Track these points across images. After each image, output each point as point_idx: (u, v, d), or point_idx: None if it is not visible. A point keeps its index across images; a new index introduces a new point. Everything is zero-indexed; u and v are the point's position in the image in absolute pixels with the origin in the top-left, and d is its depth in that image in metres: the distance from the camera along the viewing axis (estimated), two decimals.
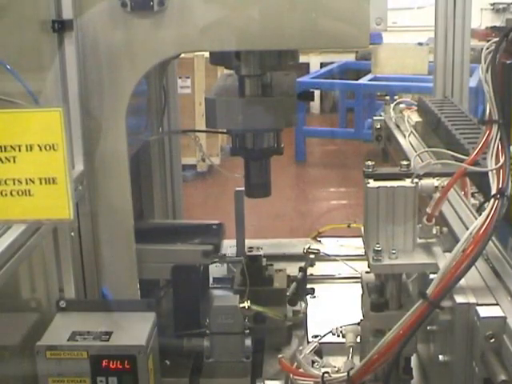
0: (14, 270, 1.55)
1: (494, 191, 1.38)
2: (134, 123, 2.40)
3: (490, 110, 1.43)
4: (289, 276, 2.42)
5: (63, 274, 1.92)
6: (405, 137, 2.36)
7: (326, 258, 2.73)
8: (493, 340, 1.26)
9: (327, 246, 2.88)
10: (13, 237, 1.54)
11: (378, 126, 2.68)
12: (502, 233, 1.51)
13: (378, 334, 1.61)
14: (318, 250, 2.56)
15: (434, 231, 1.63)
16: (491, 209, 1.35)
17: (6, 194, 1.29)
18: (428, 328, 1.51)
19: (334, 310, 2.41)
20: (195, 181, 5.92)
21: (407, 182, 1.59)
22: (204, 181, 5.91)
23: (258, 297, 2.20)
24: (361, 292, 1.83)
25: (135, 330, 1.83)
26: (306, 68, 8.38)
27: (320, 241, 2.93)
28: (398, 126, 2.57)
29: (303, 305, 2.37)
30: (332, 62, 8.28)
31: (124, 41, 1.89)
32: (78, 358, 1.76)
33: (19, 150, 1.27)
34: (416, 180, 1.59)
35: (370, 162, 1.64)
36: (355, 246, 2.80)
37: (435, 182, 1.62)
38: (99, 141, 1.95)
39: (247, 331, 2.04)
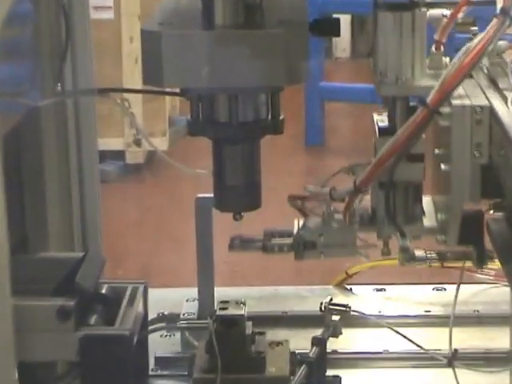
0: None
1: (498, 11, 1.95)
2: (9, 75, 2.29)
3: None
4: (294, 354, 2.24)
5: None
6: (506, 102, 2.01)
7: (361, 320, 2.46)
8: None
9: (363, 298, 2.63)
10: None
11: None
12: None
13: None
14: (345, 305, 2.31)
15: (444, 61, 2.16)
16: (493, 26, 1.94)
17: None
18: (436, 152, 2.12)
19: None
20: (123, 180, 5.48)
21: (416, 11, 2.12)
22: (139, 181, 5.53)
23: None
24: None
25: None
26: None
27: (351, 289, 2.67)
28: (493, 81, 2.20)
29: None
30: None
31: None
32: None
33: None
34: (424, 9, 2.14)
35: None
36: (413, 299, 2.59)
37: (444, 11, 2.19)
38: None
39: None
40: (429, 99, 1.96)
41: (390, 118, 2.19)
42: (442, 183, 2.10)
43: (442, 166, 2.03)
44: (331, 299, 2.29)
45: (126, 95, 2.40)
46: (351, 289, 2.69)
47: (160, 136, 5.66)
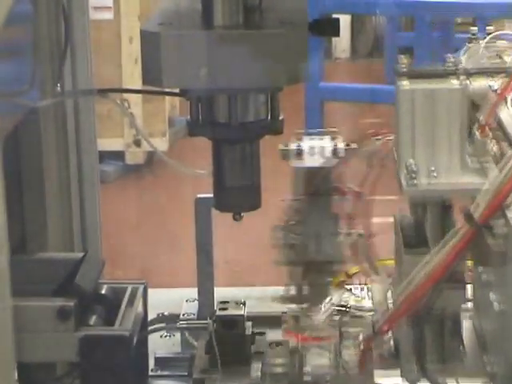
0: None
1: None
2: (9, 76, 2.28)
3: None
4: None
5: None
6: (506, 102, 1.98)
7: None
8: None
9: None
10: None
11: None
12: None
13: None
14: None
15: (491, 148, 1.73)
16: None
17: None
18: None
19: None
20: (123, 181, 5.58)
21: (453, 83, 1.72)
22: (138, 181, 5.60)
23: None
24: None
25: None
26: None
27: (350, 289, 2.59)
28: None
29: None
30: None
31: None
32: None
33: None
34: (465, 80, 1.73)
35: (403, 57, 1.78)
36: None
37: (490, 82, 1.77)
38: None
39: None
40: (476, 214, 1.54)
41: (418, 224, 1.82)
42: (493, 318, 1.63)
43: (496, 306, 1.57)
44: (331, 299, 2.27)
45: (125, 95, 2.43)
46: (351, 289, 2.62)
47: (160, 136, 5.67)
